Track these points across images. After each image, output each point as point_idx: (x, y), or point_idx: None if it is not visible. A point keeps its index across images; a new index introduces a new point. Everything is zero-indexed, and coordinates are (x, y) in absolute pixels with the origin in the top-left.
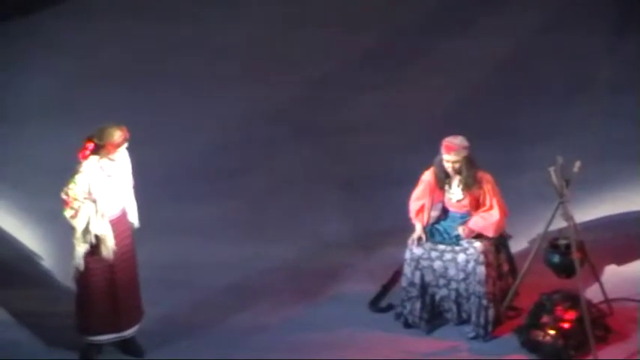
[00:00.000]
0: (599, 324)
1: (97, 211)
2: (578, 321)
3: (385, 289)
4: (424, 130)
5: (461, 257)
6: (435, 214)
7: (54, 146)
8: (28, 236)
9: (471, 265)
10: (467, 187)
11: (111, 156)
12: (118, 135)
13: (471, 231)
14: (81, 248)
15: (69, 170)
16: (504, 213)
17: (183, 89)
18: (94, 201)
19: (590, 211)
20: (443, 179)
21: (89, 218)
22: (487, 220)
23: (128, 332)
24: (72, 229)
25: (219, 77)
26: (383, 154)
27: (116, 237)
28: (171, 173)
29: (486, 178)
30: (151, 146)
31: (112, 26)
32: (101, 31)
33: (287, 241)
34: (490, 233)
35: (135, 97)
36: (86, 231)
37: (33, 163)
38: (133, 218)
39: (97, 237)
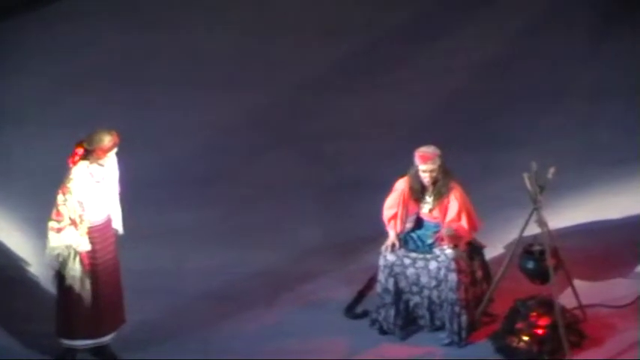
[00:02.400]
0: (574, 330)
1: (77, 246)
2: (553, 327)
3: (361, 296)
4: (404, 136)
5: (432, 265)
6: (409, 225)
7: (36, 149)
8: (8, 241)
9: (442, 272)
10: (439, 195)
11: (100, 161)
12: (107, 140)
13: (450, 237)
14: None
15: (51, 174)
16: (474, 227)
17: (165, 95)
18: (79, 223)
19: (566, 217)
20: (418, 191)
21: (68, 250)
22: (458, 229)
23: (106, 338)
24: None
25: (199, 83)
26: (363, 160)
27: (100, 243)
28: (152, 179)
29: (457, 188)
30: (131, 152)
31: (95, 31)
32: (84, 36)
33: (265, 247)
34: (461, 241)
35: (116, 103)
36: (55, 250)
37: (14, 166)
38: (118, 225)
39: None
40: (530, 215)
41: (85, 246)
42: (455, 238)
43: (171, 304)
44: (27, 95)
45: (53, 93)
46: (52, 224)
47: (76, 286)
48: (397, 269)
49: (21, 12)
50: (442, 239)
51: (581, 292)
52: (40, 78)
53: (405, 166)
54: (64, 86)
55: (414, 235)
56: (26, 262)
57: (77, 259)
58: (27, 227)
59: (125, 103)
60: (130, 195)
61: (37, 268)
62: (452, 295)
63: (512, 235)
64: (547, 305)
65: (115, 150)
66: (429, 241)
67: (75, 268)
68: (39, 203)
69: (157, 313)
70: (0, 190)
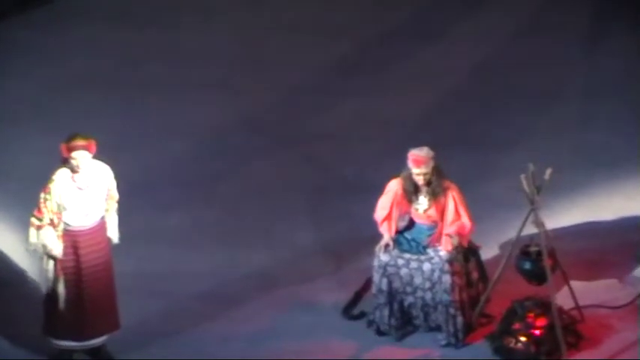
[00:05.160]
0: (571, 330)
1: (50, 249)
2: (550, 328)
3: (357, 297)
4: (399, 137)
5: (426, 266)
6: (402, 224)
7: (27, 152)
8: (1, 243)
9: (436, 274)
10: (434, 196)
11: (74, 166)
12: (76, 141)
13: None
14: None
15: (45, 175)
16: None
17: (158, 96)
18: (57, 224)
19: (562, 218)
20: (411, 193)
21: (44, 249)
22: (461, 229)
23: (92, 342)
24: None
25: (193, 84)
26: (357, 161)
27: (86, 248)
28: (146, 180)
29: (452, 187)
30: (125, 153)
31: (87, 33)
32: (76, 38)
33: (261, 248)
34: (464, 242)
35: (109, 104)
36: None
37: (8, 167)
38: (113, 233)
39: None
40: (528, 216)
41: (57, 250)
42: (460, 241)
43: (165, 306)
44: (21, 96)
45: (47, 94)
46: (33, 220)
47: (49, 287)
48: (391, 269)
49: (13, 14)
50: (437, 241)
51: (578, 293)
52: (35, 79)
53: (400, 167)
54: (58, 88)
55: (407, 236)
56: (20, 263)
57: (50, 261)
58: (21, 228)
59: (119, 105)
60: (125, 197)
61: (31, 268)
62: (446, 297)
63: (508, 236)
64: (544, 306)
65: (83, 154)
66: (423, 243)
67: (48, 270)
68: (33, 205)
69: (152, 315)
70: None
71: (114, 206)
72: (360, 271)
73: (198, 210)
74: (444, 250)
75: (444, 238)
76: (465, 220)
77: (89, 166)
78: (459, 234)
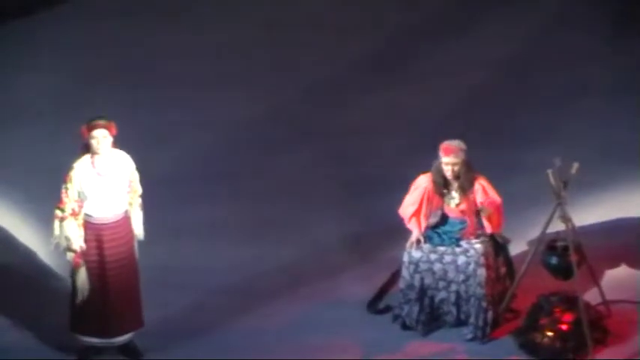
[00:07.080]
0: (597, 326)
1: (71, 243)
2: (576, 323)
3: (383, 291)
4: (424, 133)
5: (461, 259)
6: (433, 220)
7: (50, 147)
8: (26, 237)
9: (471, 267)
10: (464, 190)
11: (93, 144)
12: (97, 122)
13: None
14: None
15: (66, 169)
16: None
17: (184, 91)
18: (78, 214)
19: (589, 213)
20: (441, 185)
21: (67, 242)
22: (492, 202)
23: (118, 340)
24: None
25: (219, 79)
26: (382, 156)
27: (109, 242)
28: (171, 175)
29: (480, 177)
30: (150, 148)
31: (111, 28)
32: (99, 33)
33: (286, 243)
34: (497, 219)
35: (134, 100)
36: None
37: (29, 164)
38: (138, 229)
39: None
40: (554, 210)
41: (77, 244)
42: (494, 214)
43: (192, 300)
44: (42, 93)
45: (68, 90)
46: (56, 212)
47: (71, 281)
48: (423, 266)
49: (36, 9)
50: (471, 234)
51: (605, 288)
52: (56, 75)
53: (425, 163)
54: (78, 84)
55: (438, 230)
56: (49, 259)
57: (71, 254)
58: (49, 223)
59: (146, 100)
60: (154, 191)
61: (60, 263)
62: (480, 290)
63: (534, 232)
64: (571, 301)
65: (103, 133)
66: (456, 236)
67: (71, 262)
68: (52, 200)
69: (179, 309)
70: (18, 187)
71: (137, 201)
72: (385, 265)
73: (223, 204)
74: (487, 231)
75: (483, 222)
76: (494, 195)
77: (109, 150)
78: (492, 205)
